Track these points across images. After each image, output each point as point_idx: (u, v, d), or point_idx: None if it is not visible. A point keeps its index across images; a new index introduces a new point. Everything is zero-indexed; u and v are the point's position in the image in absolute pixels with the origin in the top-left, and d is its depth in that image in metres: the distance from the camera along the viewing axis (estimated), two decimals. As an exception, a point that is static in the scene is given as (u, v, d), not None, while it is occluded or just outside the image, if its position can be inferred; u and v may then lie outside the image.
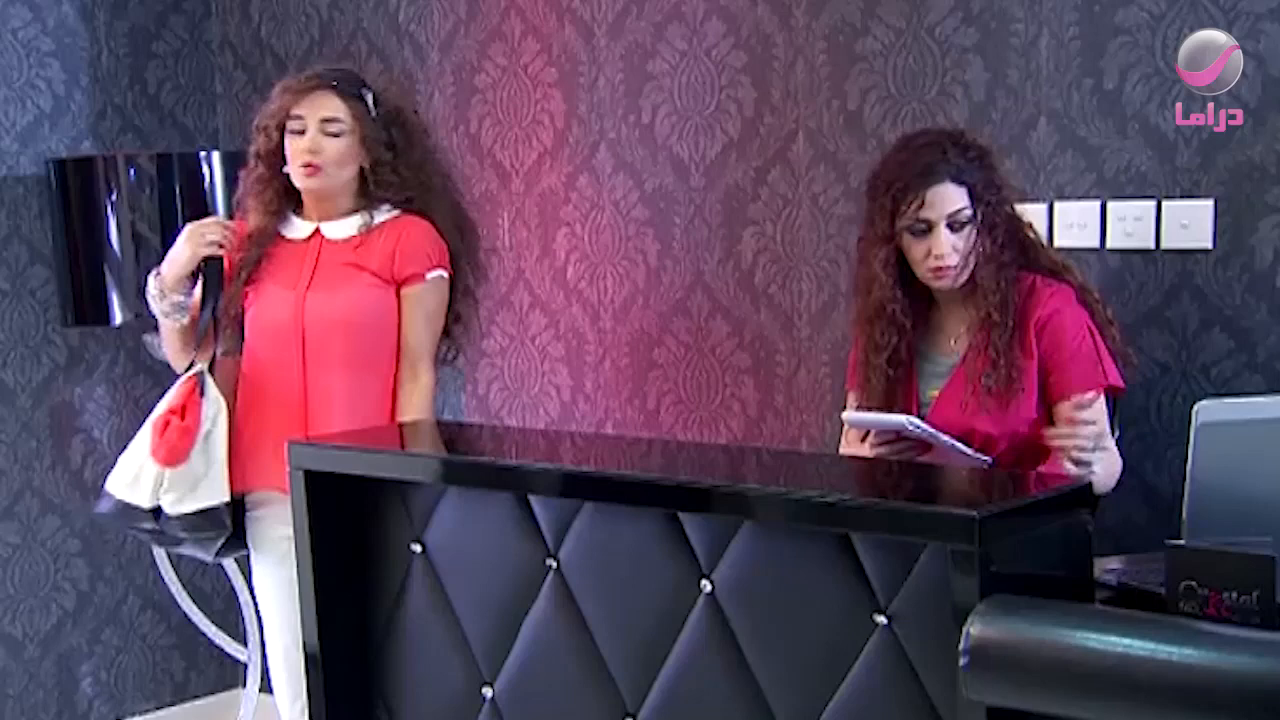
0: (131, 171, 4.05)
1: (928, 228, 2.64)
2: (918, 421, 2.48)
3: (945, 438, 2.50)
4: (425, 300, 3.17)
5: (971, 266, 2.66)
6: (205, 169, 4.08)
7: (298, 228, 3.22)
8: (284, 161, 3.15)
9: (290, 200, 3.23)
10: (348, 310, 3.13)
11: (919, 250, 2.66)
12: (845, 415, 2.71)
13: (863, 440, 2.69)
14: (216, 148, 4.51)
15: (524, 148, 3.88)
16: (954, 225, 2.64)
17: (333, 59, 4.23)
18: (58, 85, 4.23)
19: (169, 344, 3.29)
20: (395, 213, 3.19)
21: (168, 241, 4.00)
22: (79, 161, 4.09)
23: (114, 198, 4.03)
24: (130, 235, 4.03)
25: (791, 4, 3.38)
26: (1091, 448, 2.45)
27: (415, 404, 3.15)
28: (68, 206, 4.07)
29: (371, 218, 3.17)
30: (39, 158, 4.17)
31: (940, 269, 2.65)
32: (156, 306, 3.20)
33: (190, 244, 3.16)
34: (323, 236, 3.19)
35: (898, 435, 2.57)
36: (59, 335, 4.27)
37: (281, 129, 3.15)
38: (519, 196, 3.91)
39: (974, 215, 2.64)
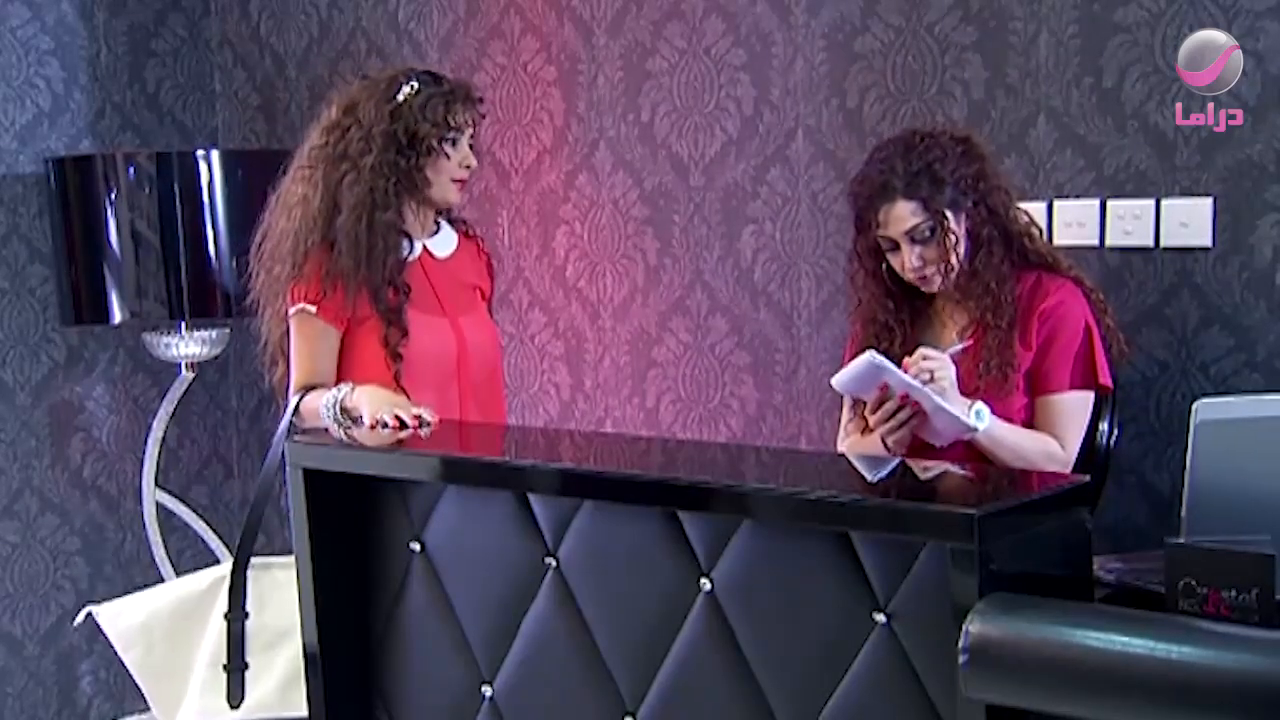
0: (130, 170, 4.05)
1: (894, 244, 2.69)
2: (879, 358, 2.52)
3: (905, 376, 2.52)
4: None
5: (956, 267, 2.68)
6: (204, 167, 4.08)
7: (404, 246, 2.99)
8: (420, 177, 2.96)
9: None
10: (494, 333, 3.15)
11: (896, 262, 2.72)
12: (833, 380, 2.69)
13: (863, 433, 2.72)
14: (215, 146, 4.51)
15: (523, 146, 3.88)
16: (915, 238, 2.67)
17: (332, 58, 4.24)
18: (56, 84, 4.24)
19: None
20: (451, 227, 3.13)
21: (166, 240, 4.03)
22: (78, 160, 4.09)
23: (113, 196, 4.03)
24: (129, 234, 4.03)
25: (791, 2, 3.38)
26: (929, 379, 2.53)
27: None
28: (67, 205, 4.07)
29: (455, 234, 3.12)
30: (38, 156, 4.18)
31: (920, 279, 2.70)
32: (328, 418, 2.82)
33: (384, 413, 2.67)
34: (430, 254, 3.04)
35: (885, 400, 2.58)
36: (58, 334, 4.27)
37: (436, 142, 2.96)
38: (518, 195, 3.90)
39: (935, 225, 2.65)
